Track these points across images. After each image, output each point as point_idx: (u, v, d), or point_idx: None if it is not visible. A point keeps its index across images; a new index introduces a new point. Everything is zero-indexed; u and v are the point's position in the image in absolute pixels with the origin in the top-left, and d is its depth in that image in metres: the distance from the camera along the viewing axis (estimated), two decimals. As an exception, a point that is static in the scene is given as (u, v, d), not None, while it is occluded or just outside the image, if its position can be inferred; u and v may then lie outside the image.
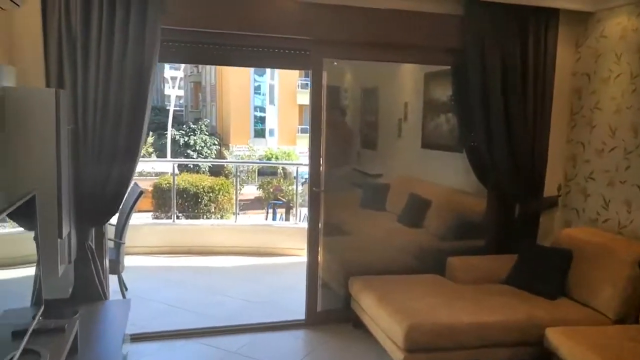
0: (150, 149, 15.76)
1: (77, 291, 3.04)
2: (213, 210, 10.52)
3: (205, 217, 10.39)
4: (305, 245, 4.05)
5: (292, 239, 5.74)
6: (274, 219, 9.81)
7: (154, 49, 3.11)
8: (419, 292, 3.45)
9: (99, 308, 3.03)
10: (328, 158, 3.96)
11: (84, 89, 3.02)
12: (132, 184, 4.59)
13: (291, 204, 9.80)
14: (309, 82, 3.84)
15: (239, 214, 6.69)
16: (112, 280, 4.00)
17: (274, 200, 10.65)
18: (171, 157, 22.42)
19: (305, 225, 5.68)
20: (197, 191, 10.30)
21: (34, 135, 2.54)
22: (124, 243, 4.04)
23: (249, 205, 16.86)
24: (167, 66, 40.56)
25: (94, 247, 3.24)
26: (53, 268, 2.62)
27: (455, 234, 4.39)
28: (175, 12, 3.21)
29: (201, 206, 10.33)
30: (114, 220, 4.48)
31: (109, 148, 3.09)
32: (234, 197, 6.70)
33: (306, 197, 5.11)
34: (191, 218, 10.31)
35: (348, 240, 4.44)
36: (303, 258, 5.38)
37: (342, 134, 4.41)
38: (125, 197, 3.23)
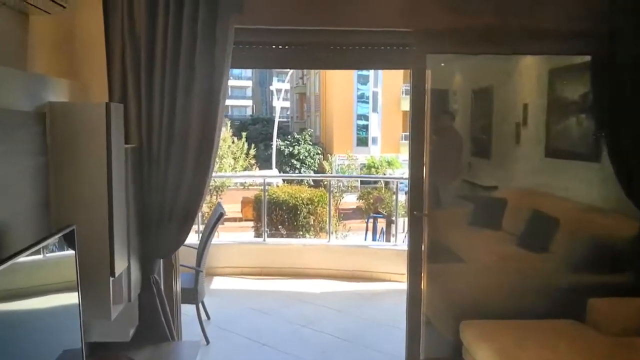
0: (252, 161, 15.91)
1: (140, 332, 2.69)
2: (312, 222, 10.21)
3: (303, 229, 10.10)
4: (405, 270, 3.43)
5: (391, 263, 5.12)
6: (374, 234, 9.18)
7: (225, 54, 2.69)
8: (552, 347, 2.69)
9: (162, 353, 2.65)
10: (433, 170, 3.36)
11: (148, 102, 2.67)
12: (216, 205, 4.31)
13: (392, 218, 9.18)
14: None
15: (330, 230, 6.15)
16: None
17: (374, 214, 10.03)
18: (276, 167, 22.82)
19: (404, 248, 5.07)
20: (296, 203, 10.05)
21: (81, 158, 2.20)
22: (203, 271, 3.69)
23: (349, 215, 16.44)
24: (274, 78, 42.21)
25: (161, 280, 2.88)
26: (104, 311, 2.26)
27: (596, 265, 3.51)
28: (252, 8, 2.76)
29: (300, 218, 10.06)
30: (191, 240, 4.18)
31: (176, 167, 2.71)
32: (328, 213, 6.20)
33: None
34: (290, 230, 10.07)
35: (456, 268, 3.79)
36: (403, 285, 4.77)
37: (450, 142, 3.82)
38: (193, 223, 2.83)
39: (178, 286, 3.03)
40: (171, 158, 2.70)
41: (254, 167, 16.39)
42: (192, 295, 3.61)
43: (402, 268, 4.81)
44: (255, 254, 5.33)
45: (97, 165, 2.21)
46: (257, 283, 5.05)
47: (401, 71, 27.63)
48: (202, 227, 4.88)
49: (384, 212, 9.98)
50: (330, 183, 6.75)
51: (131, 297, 2.53)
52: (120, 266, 2.33)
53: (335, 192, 16.05)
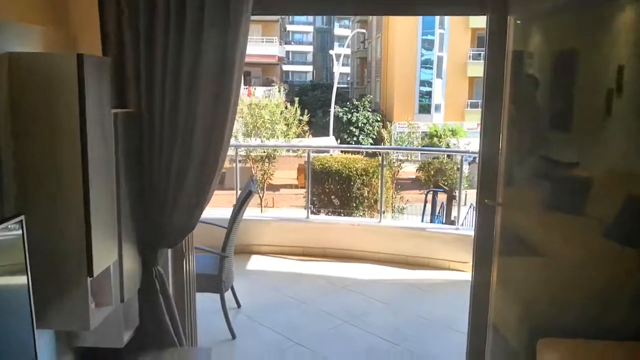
0: (305, 127, 15.38)
1: (140, 335, 2.25)
2: (366, 194, 9.64)
3: (357, 201, 9.55)
4: (469, 258, 2.84)
5: (452, 248, 4.46)
6: (433, 210, 8.49)
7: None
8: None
9: (164, 364, 2.20)
10: (509, 147, 2.72)
11: (148, 56, 2.15)
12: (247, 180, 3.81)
13: (454, 192, 8.42)
14: (482, 52, 2.65)
15: (382, 209, 5.55)
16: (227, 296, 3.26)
17: (434, 188, 9.31)
18: (333, 134, 22.20)
19: (467, 232, 4.41)
20: (350, 174, 9.50)
21: (48, 123, 1.73)
22: (229, 256, 3.22)
23: (408, 185, 15.69)
24: (336, 43, 41.05)
25: (169, 272, 2.42)
26: (81, 320, 1.81)
27: None
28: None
29: (353, 189, 9.52)
30: (217, 214, 3.67)
31: (185, 137, 2.20)
32: (380, 190, 5.57)
33: (473, 178, 3.94)
34: (342, 202, 9.55)
35: (531, 264, 3.11)
36: (465, 275, 4.14)
37: (529, 113, 3.13)
38: (205, 206, 2.31)
39: (190, 279, 2.56)
40: (178, 124, 2.19)
41: (307, 134, 15.88)
42: (216, 283, 3.15)
43: (465, 255, 4.18)
44: (297, 232, 4.82)
45: (67, 134, 1.72)
46: (298, 265, 4.56)
47: (469, 35, 25.96)
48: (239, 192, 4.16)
49: (444, 186, 9.24)
50: (383, 156, 6.06)
51: (124, 296, 2.07)
52: (102, 263, 1.86)
53: (394, 162, 15.31)
